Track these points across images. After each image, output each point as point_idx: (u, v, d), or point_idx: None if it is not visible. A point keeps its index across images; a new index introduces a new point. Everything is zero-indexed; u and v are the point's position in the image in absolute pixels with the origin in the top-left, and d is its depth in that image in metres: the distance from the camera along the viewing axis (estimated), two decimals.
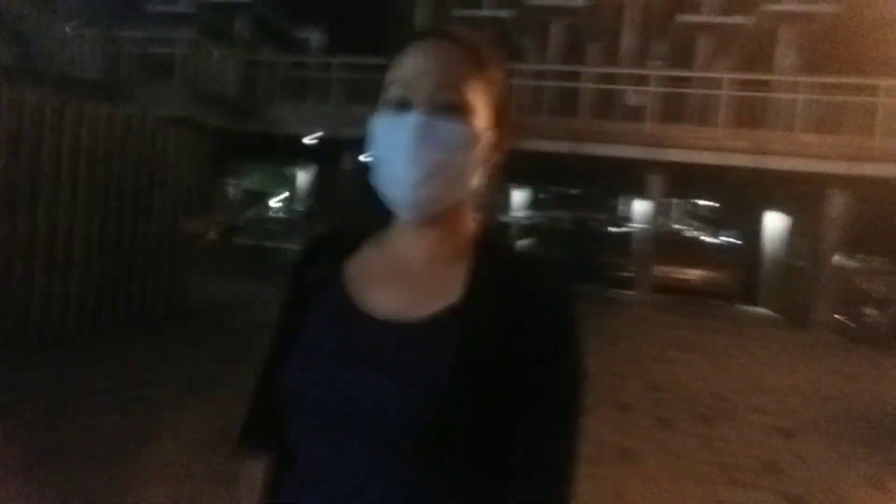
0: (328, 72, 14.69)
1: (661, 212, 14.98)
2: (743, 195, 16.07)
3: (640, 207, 14.93)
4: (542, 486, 0.78)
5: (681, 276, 16.59)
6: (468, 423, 0.76)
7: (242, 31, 18.32)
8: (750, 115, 12.63)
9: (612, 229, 20.39)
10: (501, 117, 0.91)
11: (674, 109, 13.24)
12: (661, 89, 13.10)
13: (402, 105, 0.86)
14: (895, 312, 11.64)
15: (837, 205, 12.18)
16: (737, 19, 14.68)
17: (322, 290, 0.91)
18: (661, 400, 6.40)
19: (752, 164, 12.08)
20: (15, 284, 5.83)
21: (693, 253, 17.94)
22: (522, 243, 18.40)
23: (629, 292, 15.01)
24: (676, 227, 22.97)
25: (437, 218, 0.88)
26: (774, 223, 15.84)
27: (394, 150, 0.85)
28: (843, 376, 8.43)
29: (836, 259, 12.63)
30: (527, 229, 20.15)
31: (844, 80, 12.27)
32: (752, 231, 16.91)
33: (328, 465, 0.81)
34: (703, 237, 21.05)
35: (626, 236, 18.31)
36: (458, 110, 0.85)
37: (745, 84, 12.86)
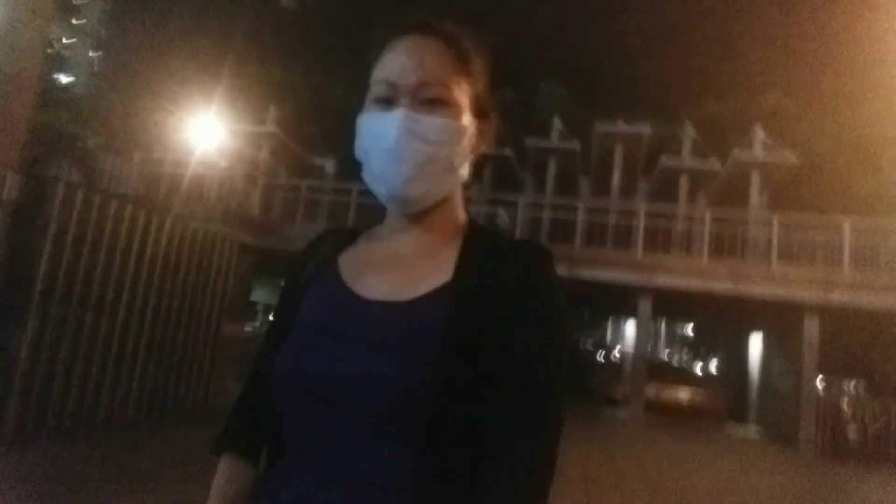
0: (341, 195, 16.07)
1: (650, 335, 15.91)
2: (726, 318, 17.16)
3: (631, 330, 15.90)
4: (524, 458, 0.78)
5: (671, 396, 17.25)
6: (455, 393, 0.77)
7: (265, 156, 20.01)
8: (729, 246, 13.96)
9: (605, 352, 21.23)
10: (485, 106, 0.93)
11: (660, 240, 14.61)
12: (646, 223, 14.52)
13: (387, 102, 0.87)
14: (876, 431, 12.32)
15: (813, 328, 13.20)
16: (713, 164, 16.48)
17: (317, 279, 0.93)
18: (654, 500, 7.01)
19: (733, 290, 13.22)
20: (78, 373, 6.49)
21: (681, 373, 18.72)
22: None
23: (622, 412, 15.61)
24: (665, 348, 23.85)
25: (427, 210, 0.90)
26: (757, 344, 16.81)
27: (381, 148, 0.86)
28: (819, 488, 9.03)
29: (818, 380, 13.47)
30: None
31: (812, 217, 13.73)
32: (736, 352, 17.83)
33: (320, 440, 0.82)
34: (692, 359, 21.89)
35: (617, 359, 19.15)
36: (443, 105, 0.86)
37: (723, 220, 14.31)
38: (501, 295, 0.82)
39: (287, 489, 0.84)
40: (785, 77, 17.33)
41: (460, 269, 0.85)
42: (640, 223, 14.58)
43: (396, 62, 0.87)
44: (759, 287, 13.11)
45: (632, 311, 15.51)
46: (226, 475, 0.96)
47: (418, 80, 0.86)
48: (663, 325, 21.88)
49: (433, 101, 0.86)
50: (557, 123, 17.35)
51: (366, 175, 0.90)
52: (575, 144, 17.15)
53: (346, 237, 0.99)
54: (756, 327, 16.53)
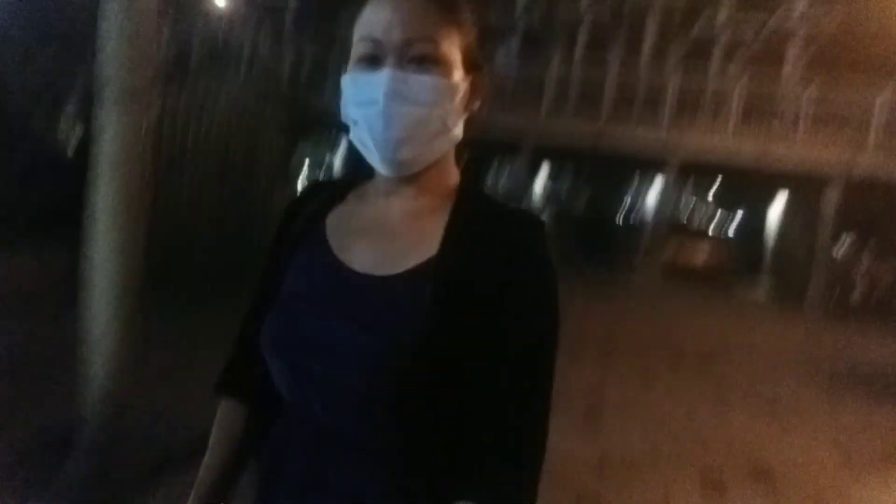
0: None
1: (672, 200, 16.43)
2: (750, 184, 17.53)
3: (654, 196, 16.39)
4: (516, 434, 0.78)
5: (689, 258, 18.06)
6: (441, 372, 0.76)
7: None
8: (758, 114, 14.02)
9: (625, 216, 21.90)
10: (475, 61, 0.88)
11: (689, 107, 14.65)
12: (676, 90, 14.52)
13: (372, 61, 0.82)
14: (881, 294, 13.11)
15: (832, 196, 13.59)
16: (748, 28, 16.08)
17: (303, 240, 0.90)
18: (670, 348, 7.93)
19: (759, 158, 13.50)
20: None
21: (700, 236, 19.45)
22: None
23: (640, 273, 16.51)
24: (685, 213, 24.46)
25: (418, 173, 0.86)
26: (777, 209, 17.30)
27: (369, 111, 0.82)
28: (819, 339, 9.95)
29: (834, 246, 14.09)
30: (543, 214, 21.66)
31: (845, 87, 13.62)
32: (754, 218, 18.39)
33: (314, 406, 0.83)
34: (710, 224, 22.53)
35: (638, 223, 19.84)
36: (433, 62, 0.81)
37: (754, 87, 14.23)
38: (489, 273, 0.79)
39: (282, 458, 0.87)
40: None
41: (447, 242, 0.82)
42: (669, 91, 14.59)
43: (380, 17, 0.81)
44: (785, 154, 13.35)
45: (656, 178, 15.92)
46: (223, 420, 0.99)
47: (405, 37, 0.80)
48: (686, 190, 22.30)
49: (422, 58, 0.81)
50: None
51: (354, 138, 0.87)
52: (605, 10, 16.74)
53: (334, 193, 0.95)
54: (778, 193, 16.91)
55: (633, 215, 21.67)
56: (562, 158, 17.21)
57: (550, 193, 22.95)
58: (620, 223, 22.22)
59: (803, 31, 15.73)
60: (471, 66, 0.87)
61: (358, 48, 0.84)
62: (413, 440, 0.80)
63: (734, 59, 16.78)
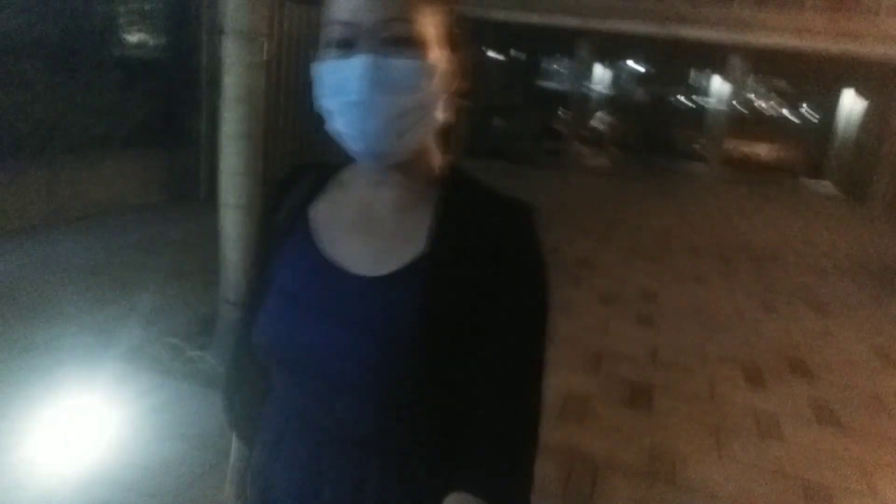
0: None
1: (738, 90, 15.92)
2: (823, 77, 16.75)
3: (719, 86, 15.91)
4: (510, 425, 0.77)
5: (749, 151, 17.76)
6: (432, 370, 0.76)
7: None
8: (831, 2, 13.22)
9: (689, 105, 21.29)
10: (456, 39, 0.82)
11: None
12: None
13: (346, 46, 0.76)
14: None
15: None
16: None
17: (290, 234, 0.88)
18: (724, 246, 8.25)
19: (835, 48, 12.90)
20: None
21: (764, 129, 18.93)
22: (600, 115, 19.69)
23: (700, 165, 16.41)
24: (752, 104, 23.55)
25: (402, 161, 0.81)
26: (849, 104, 16.62)
27: (345, 99, 0.76)
28: (878, 237, 10.04)
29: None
30: (607, 102, 21.25)
31: None
32: (826, 111, 17.69)
33: (309, 404, 0.84)
34: (776, 114, 21.74)
35: (701, 112, 19.33)
36: (411, 43, 0.75)
37: None
38: (480, 268, 0.78)
39: (281, 451, 0.88)
40: None
41: (437, 236, 0.80)
42: None
43: None
44: (862, 43, 12.71)
45: (721, 67, 15.39)
46: (238, 454, 1.03)
47: (379, 18, 0.75)
48: (753, 80, 21.37)
49: (399, 39, 0.75)
50: None
51: (331, 129, 0.81)
52: None
53: (315, 180, 0.92)
54: (851, 84, 16.17)
55: (697, 103, 21.05)
56: (628, 45, 16.65)
57: (618, 81, 22.34)
58: (684, 111, 21.64)
59: None
60: (451, 44, 0.81)
61: (328, 32, 0.78)
62: (410, 435, 0.81)
63: None
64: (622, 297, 5.75)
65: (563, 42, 16.61)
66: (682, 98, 21.99)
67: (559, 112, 19.01)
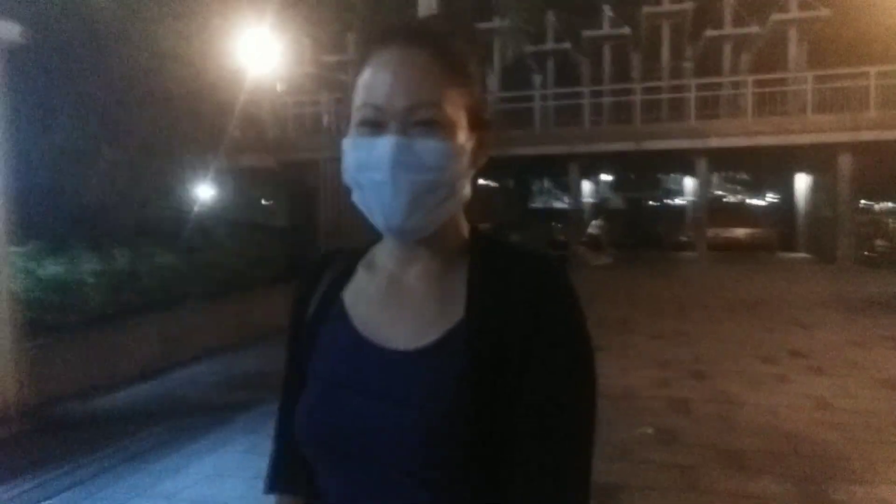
0: None
1: (706, 186, 18.86)
2: (772, 165, 19.91)
3: (690, 184, 18.88)
4: (557, 496, 0.75)
5: (729, 235, 20.47)
6: (482, 446, 0.75)
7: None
8: (771, 104, 16.46)
9: (667, 203, 24.40)
10: (480, 117, 0.85)
11: (710, 106, 17.17)
12: (696, 93, 17.08)
13: (376, 126, 0.79)
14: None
15: (846, 164, 15.94)
16: (752, 28, 18.55)
17: (325, 323, 0.89)
18: (725, 302, 10.49)
19: (776, 142, 15.92)
20: None
21: (737, 215, 21.91)
22: (595, 223, 22.55)
23: (688, 252, 18.98)
24: (720, 194, 26.84)
25: (428, 236, 0.83)
26: (800, 184, 19.65)
27: (373, 177, 0.79)
28: (845, 283, 12.36)
29: (854, 206, 16.41)
30: (597, 210, 24.31)
31: (842, 69, 15.99)
32: (783, 192, 20.76)
33: (351, 495, 0.82)
34: (743, 201, 24.92)
35: (679, 208, 22.33)
36: (438, 126, 0.78)
37: (764, 80, 16.69)
38: (521, 324, 0.77)
39: None
40: None
41: (472, 303, 0.80)
42: (692, 94, 17.14)
43: (381, 82, 0.79)
44: (799, 135, 15.76)
45: (689, 169, 18.43)
46: None
47: (408, 103, 0.77)
48: (718, 176, 24.74)
49: (426, 122, 0.78)
50: (608, 10, 19.48)
51: (357, 200, 0.83)
52: (626, 29, 19.36)
53: (344, 265, 0.93)
54: (799, 168, 19.30)
55: (674, 201, 24.14)
56: (608, 161, 19.78)
57: (603, 192, 25.53)
58: (664, 209, 24.72)
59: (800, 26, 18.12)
60: (476, 123, 0.84)
61: (359, 113, 0.81)
62: None
63: (742, 54, 19.26)
64: (665, 334, 7.95)
65: (555, 165, 19.70)
66: (662, 198, 25.18)
67: (556, 225, 21.93)
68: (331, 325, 0.87)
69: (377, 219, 0.81)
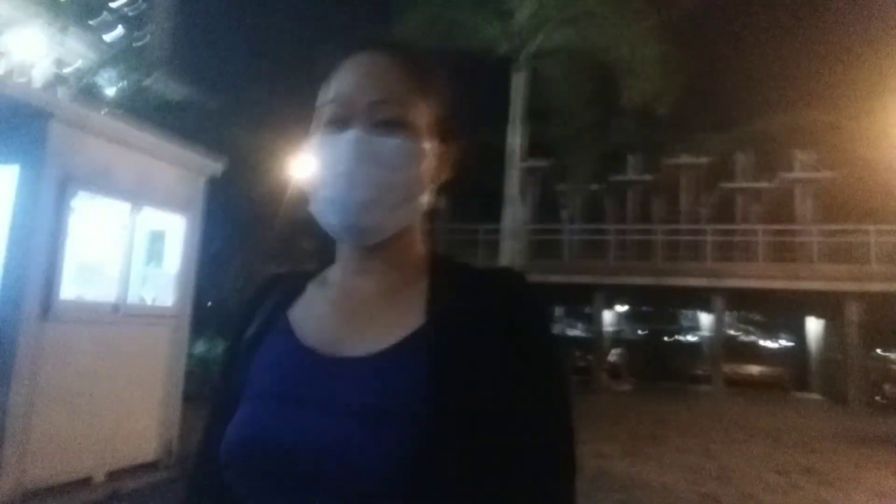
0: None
1: (722, 323, 20.04)
2: (785, 308, 21.17)
3: (706, 321, 20.04)
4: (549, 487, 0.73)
5: (744, 372, 21.33)
6: (451, 456, 0.67)
7: None
8: (780, 251, 18.01)
9: (684, 337, 25.48)
10: (446, 130, 0.85)
11: (724, 249, 18.78)
12: (711, 238, 18.77)
13: (340, 123, 0.80)
14: None
15: (852, 311, 17.15)
16: (762, 183, 20.61)
17: (265, 337, 0.82)
18: (743, 430, 11.39)
19: (787, 286, 17.28)
20: None
21: (753, 354, 22.89)
22: (616, 351, 23.55)
23: (704, 385, 19.79)
24: (735, 333, 27.93)
25: (384, 245, 0.81)
26: (812, 327, 20.78)
27: (333, 173, 0.79)
28: (854, 422, 13.20)
29: (865, 352, 17.41)
30: (617, 340, 25.44)
31: (845, 224, 17.66)
32: (795, 334, 21.83)
33: None
34: (758, 341, 25.96)
35: (695, 343, 23.39)
36: (400, 126, 0.79)
37: (774, 230, 18.38)
38: (489, 336, 0.73)
39: None
40: (831, 93, 20.99)
41: (434, 309, 0.76)
42: (707, 237, 18.79)
43: (348, 80, 0.81)
44: (808, 282, 17.13)
45: (705, 306, 19.67)
46: None
47: (373, 99, 0.79)
48: (733, 315, 26.09)
49: (389, 121, 0.79)
50: (631, 160, 21.75)
51: (315, 205, 0.81)
52: (647, 176, 21.54)
53: (292, 286, 0.88)
54: (809, 312, 20.54)
55: (693, 338, 25.23)
56: (630, 293, 21.12)
57: (622, 323, 26.76)
58: (681, 343, 25.74)
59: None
60: (440, 135, 0.84)
61: (325, 112, 0.82)
62: None
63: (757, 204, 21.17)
64: (695, 450, 8.94)
65: (580, 295, 21.06)
66: (678, 332, 26.28)
67: (577, 353, 22.93)
68: (272, 340, 0.82)
69: (331, 215, 0.79)
